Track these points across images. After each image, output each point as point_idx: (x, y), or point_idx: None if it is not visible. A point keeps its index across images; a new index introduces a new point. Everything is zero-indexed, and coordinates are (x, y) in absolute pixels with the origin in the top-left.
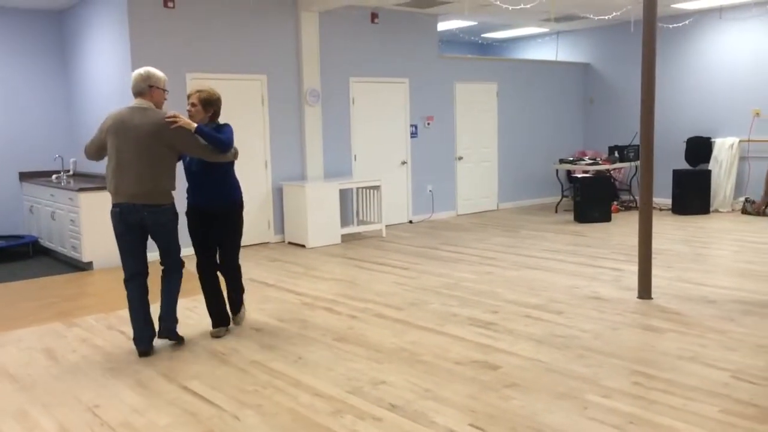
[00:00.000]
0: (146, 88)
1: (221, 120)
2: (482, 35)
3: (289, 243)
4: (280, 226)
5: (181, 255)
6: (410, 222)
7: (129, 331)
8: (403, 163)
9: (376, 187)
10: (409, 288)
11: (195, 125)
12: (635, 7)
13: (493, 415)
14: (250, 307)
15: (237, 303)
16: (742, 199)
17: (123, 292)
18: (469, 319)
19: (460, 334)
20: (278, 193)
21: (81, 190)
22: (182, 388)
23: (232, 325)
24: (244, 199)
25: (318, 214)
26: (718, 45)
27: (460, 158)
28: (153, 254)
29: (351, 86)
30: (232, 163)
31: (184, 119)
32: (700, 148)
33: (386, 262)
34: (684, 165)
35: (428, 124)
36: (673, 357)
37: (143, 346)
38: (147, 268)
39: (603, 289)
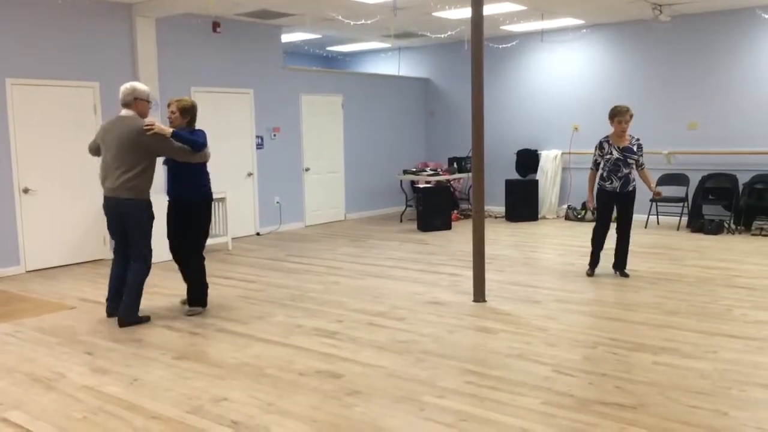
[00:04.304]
0: (132, 101)
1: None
2: (327, 48)
3: None
4: None
5: (146, 249)
6: (258, 234)
7: None
8: (249, 174)
9: (221, 200)
10: (255, 301)
11: (171, 131)
12: (467, 27)
13: (335, 424)
14: (81, 328)
15: (194, 299)
16: (565, 206)
17: None
18: (314, 329)
19: (305, 345)
20: None
21: None
22: (0, 421)
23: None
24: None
25: (159, 228)
26: (541, 65)
27: (308, 169)
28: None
29: (193, 96)
30: (203, 163)
31: (160, 126)
32: (528, 160)
33: (232, 276)
34: (515, 175)
35: (274, 135)
36: (502, 355)
37: (108, 309)
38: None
39: (442, 294)
